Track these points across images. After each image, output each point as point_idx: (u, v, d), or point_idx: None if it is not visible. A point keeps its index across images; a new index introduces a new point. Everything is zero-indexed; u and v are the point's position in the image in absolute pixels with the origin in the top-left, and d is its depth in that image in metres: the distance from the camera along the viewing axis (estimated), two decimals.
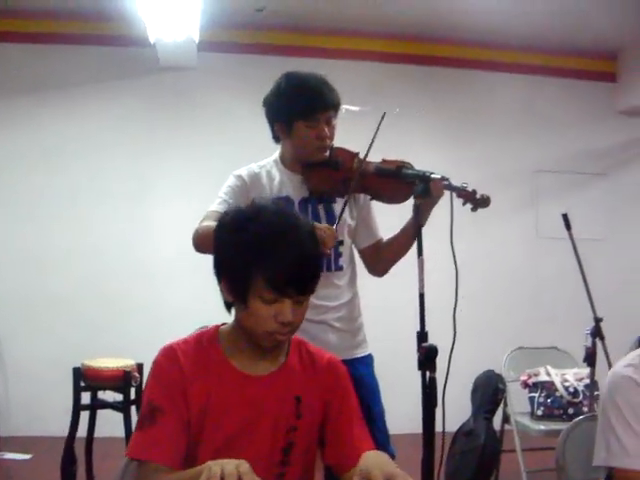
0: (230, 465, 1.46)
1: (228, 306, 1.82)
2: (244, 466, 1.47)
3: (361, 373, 2.69)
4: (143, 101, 6.05)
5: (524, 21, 5.95)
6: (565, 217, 3.79)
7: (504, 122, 6.56)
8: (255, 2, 5.67)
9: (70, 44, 5.92)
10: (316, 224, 2.55)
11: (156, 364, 1.78)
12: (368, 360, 2.80)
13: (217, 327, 1.86)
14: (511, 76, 6.57)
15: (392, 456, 2.65)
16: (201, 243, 2.52)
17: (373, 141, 2.64)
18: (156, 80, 6.04)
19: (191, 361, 1.76)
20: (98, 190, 5.95)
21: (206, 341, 1.82)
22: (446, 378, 2.27)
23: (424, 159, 2.88)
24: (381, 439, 2.64)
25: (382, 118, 2.62)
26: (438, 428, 2.26)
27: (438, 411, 2.22)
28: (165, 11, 5.05)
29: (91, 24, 5.90)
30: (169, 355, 1.77)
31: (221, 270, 1.78)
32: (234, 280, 1.74)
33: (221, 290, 1.80)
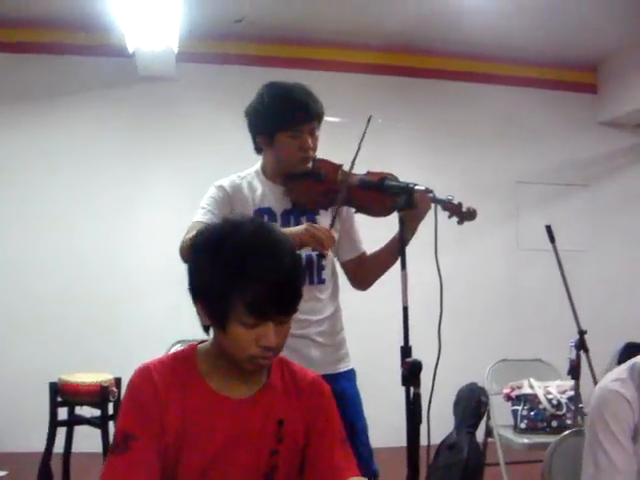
0: None
1: (206, 328, 1.74)
2: None
3: (343, 388, 2.64)
4: (123, 111, 5.99)
5: (506, 33, 5.98)
6: (549, 229, 3.76)
7: (485, 133, 6.57)
8: (234, 13, 5.64)
9: (48, 54, 5.88)
10: (314, 225, 2.52)
11: (131, 385, 1.69)
12: (350, 375, 2.76)
13: (194, 346, 1.77)
14: (493, 87, 6.59)
15: (375, 473, 2.62)
16: (188, 255, 2.47)
17: (359, 150, 2.60)
18: (136, 90, 5.99)
19: (167, 383, 1.67)
20: (80, 200, 5.89)
21: (183, 361, 1.73)
22: (431, 394, 2.23)
23: (406, 170, 2.84)
24: (365, 454, 2.60)
25: (368, 122, 2.59)
26: (422, 441, 2.22)
27: (422, 426, 2.18)
28: (144, 21, 5.02)
29: (70, 34, 5.85)
30: (144, 376, 1.68)
31: (197, 293, 1.68)
32: (211, 305, 1.65)
33: (198, 313, 1.70)
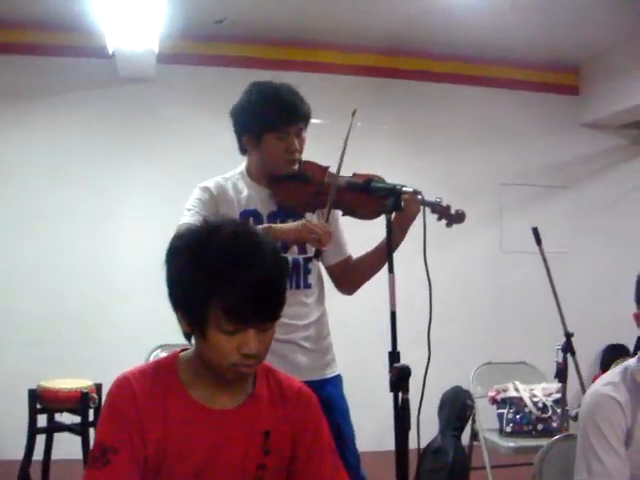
0: None
1: (187, 336, 1.66)
2: None
3: (330, 394, 2.61)
4: (103, 112, 5.91)
5: (488, 34, 5.97)
6: (535, 231, 3.75)
7: (468, 135, 6.56)
8: (216, 14, 5.59)
9: (27, 54, 5.79)
10: (310, 221, 2.48)
11: (110, 396, 1.63)
12: (337, 381, 2.72)
13: (176, 354, 1.71)
14: (475, 89, 6.58)
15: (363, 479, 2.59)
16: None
17: (345, 147, 2.57)
18: (116, 92, 5.92)
19: (147, 393, 1.61)
20: (59, 204, 5.80)
21: (164, 370, 1.66)
22: (421, 400, 2.19)
23: (389, 173, 2.78)
24: (352, 461, 2.57)
25: (353, 115, 2.58)
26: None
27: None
28: (124, 21, 4.96)
29: (50, 34, 5.77)
30: (123, 386, 1.62)
31: (176, 300, 1.61)
32: (190, 311, 1.58)
33: (178, 320, 1.63)
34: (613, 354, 6.30)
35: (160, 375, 1.65)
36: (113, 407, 1.61)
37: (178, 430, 1.60)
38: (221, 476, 1.62)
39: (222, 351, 1.56)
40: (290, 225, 2.49)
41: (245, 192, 2.66)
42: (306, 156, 2.69)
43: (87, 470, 1.59)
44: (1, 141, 5.78)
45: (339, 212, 2.72)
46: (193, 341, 1.66)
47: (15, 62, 5.78)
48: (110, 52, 5.37)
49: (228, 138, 2.72)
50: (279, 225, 2.51)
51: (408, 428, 2.10)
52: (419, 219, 2.51)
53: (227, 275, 1.51)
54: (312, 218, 2.65)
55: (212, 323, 1.53)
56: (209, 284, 1.51)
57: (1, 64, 5.75)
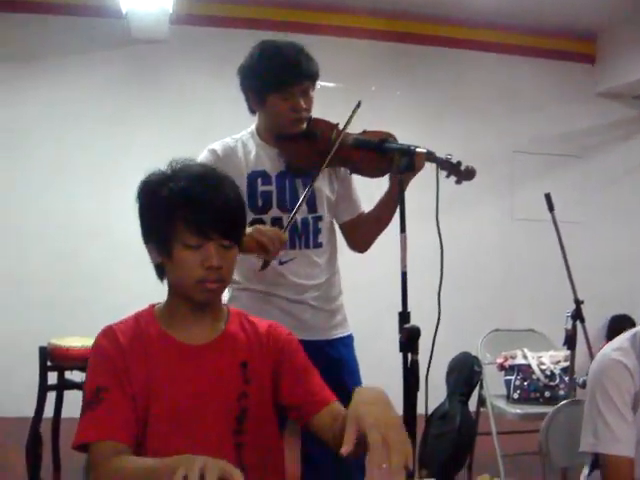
0: (210, 464, 1.36)
1: (159, 272, 1.81)
2: (222, 462, 1.38)
3: (341, 353, 2.63)
4: (114, 74, 5.89)
5: (505, 0, 5.88)
6: (548, 197, 3.72)
7: (483, 102, 6.51)
8: None
9: (38, 13, 5.75)
10: (260, 228, 2.39)
11: (96, 345, 1.76)
12: (348, 341, 2.71)
13: (152, 305, 1.86)
14: (490, 55, 6.52)
15: None
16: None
17: (352, 115, 2.54)
18: (128, 52, 5.90)
19: (130, 339, 1.75)
20: (67, 165, 5.81)
21: (143, 319, 1.81)
22: (429, 361, 2.19)
23: (400, 138, 2.76)
24: None
25: (357, 107, 2.53)
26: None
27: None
28: None
29: None
30: (108, 335, 1.76)
31: (146, 229, 1.78)
32: (157, 231, 1.74)
33: (149, 253, 1.81)
34: (619, 325, 6.31)
35: (140, 323, 1.80)
36: (99, 353, 1.74)
37: (160, 368, 1.73)
38: (207, 409, 1.72)
39: (187, 266, 1.70)
40: None
41: (254, 152, 2.63)
42: None
43: (83, 415, 1.67)
44: (15, 103, 5.76)
45: (347, 170, 2.69)
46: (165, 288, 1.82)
47: (26, 21, 5.75)
48: (123, 12, 5.34)
49: (240, 100, 2.69)
50: None
51: (417, 389, 2.10)
52: (430, 182, 2.47)
53: (191, 195, 1.68)
54: (323, 177, 2.62)
55: (177, 240, 1.69)
56: (174, 202, 1.68)
57: (12, 23, 5.73)
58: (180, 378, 1.72)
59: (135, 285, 5.62)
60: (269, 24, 5.86)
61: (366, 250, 2.80)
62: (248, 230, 2.36)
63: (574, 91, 6.71)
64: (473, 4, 5.97)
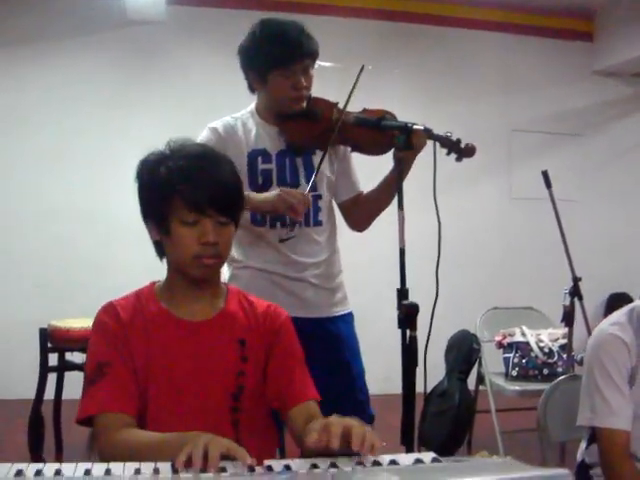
0: (215, 441, 1.38)
1: (159, 250, 1.84)
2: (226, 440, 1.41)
3: (341, 331, 2.64)
4: (111, 56, 5.87)
5: None
6: (545, 174, 3.73)
7: (479, 80, 6.51)
8: None
9: None
10: (286, 190, 2.45)
11: (97, 321, 1.78)
12: (348, 318, 2.73)
13: (152, 283, 1.89)
14: (488, 34, 6.51)
15: (372, 417, 2.61)
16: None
17: (352, 92, 2.54)
18: (124, 34, 5.87)
19: (130, 314, 1.78)
20: (65, 149, 5.80)
21: (144, 296, 1.84)
22: (428, 338, 2.21)
23: (398, 116, 2.76)
24: (361, 398, 2.60)
25: (361, 70, 2.54)
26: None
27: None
28: None
29: None
30: (109, 310, 1.79)
31: (145, 207, 1.81)
32: (155, 208, 1.76)
33: (149, 231, 1.84)
34: (617, 303, 6.32)
35: (140, 299, 1.83)
36: (101, 328, 1.77)
37: (160, 343, 1.76)
38: (205, 385, 1.75)
39: (184, 242, 1.73)
40: (267, 195, 2.48)
41: (254, 131, 2.64)
42: None
43: (86, 391, 1.70)
44: (11, 88, 5.75)
45: (348, 148, 2.70)
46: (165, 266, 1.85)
47: (22, 4, 5.70)
48: None
49: (239, 80, 2.69)
50: (256, 195, 2.49)
51: (416, 364, 2.12)
52: (429, 160, 2.48)
53: (188, 173, 1.72)
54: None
55: (174, 216, 1.72)
56: (172, 181, 1.72)
57: (8, 6, 5.68)
58: (179, 354, 1.75)
59: (133, 268, 5.63)
60: (266, 4, 5.82)
61: (365, 229, 2.82)
62: (274, 192, 2.43)
63: (572, 69, 6.70)
64: None
